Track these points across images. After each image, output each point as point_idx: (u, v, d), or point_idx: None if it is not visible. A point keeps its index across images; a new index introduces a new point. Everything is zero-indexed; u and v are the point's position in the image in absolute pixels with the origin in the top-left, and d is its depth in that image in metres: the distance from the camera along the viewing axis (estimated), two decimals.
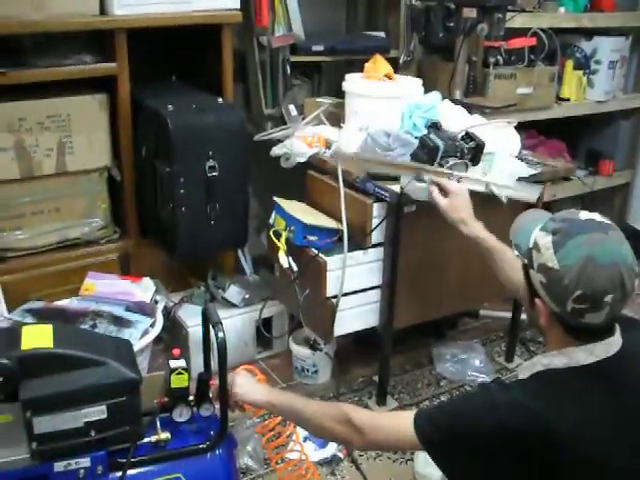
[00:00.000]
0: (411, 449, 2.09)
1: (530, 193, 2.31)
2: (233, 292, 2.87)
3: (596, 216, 1.40)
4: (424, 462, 2.29)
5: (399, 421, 1.52)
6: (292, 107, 2.94)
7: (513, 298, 2.84)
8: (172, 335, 2.78)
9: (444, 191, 2.13)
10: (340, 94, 2.80)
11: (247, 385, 1.74)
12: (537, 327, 1.51)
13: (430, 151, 2.20)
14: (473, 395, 1.54)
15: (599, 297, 1.31)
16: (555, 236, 1.36)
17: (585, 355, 1.38)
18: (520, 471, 1.38)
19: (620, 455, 1.35)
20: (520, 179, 2.37)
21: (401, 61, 3.20)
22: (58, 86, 2.54)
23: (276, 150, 2.74)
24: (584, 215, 1.40)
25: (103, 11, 2.54)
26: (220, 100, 2.72)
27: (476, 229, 2.05)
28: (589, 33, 3.65)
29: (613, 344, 1.40)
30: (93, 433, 1.51)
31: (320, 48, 3.03)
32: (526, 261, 1.44)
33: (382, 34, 3.26)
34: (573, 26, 3.48)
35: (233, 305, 2.86)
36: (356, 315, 2.48)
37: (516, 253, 1.49)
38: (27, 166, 2.54)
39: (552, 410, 1.34)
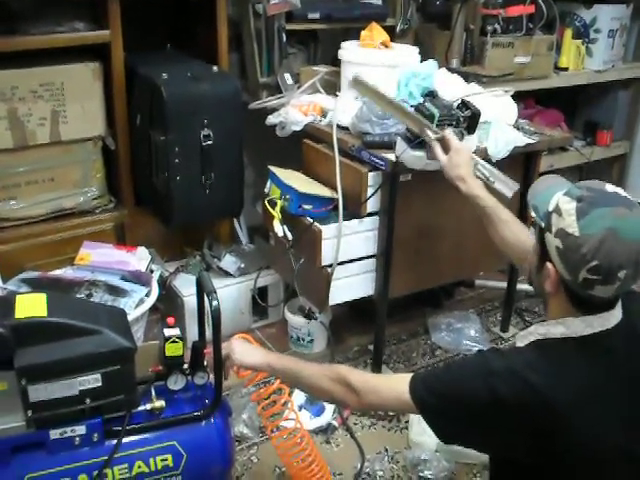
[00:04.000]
0: (406, 412, 2.11)
1: (506, 188, 2.19)
2: (229, 261, 2.88)
3: (621, 191, 1.38)
4: (418, 430, 2.31)
5: (395, 384, 1.52)
6: (288, 75, 2.92)
7: (509, 267, 2.85)
8: (167, 304, 2.79)
9: (446, 147, 2.09)
10: (336, 62, 2.77)
11: (245, 349, 1.75)
12: (540, 291, 1.49)
13: (425, 119, 2.19)
14: (469, 361, 1.54)
15: (614, 271, 1.29)
16: (580, 203, 1.33)
17: (583, 326, 1.38)
18: (513, 439, 1.38)
19: (614, 428, 1.36)
20: (502, 171, 2.30)
21: (398, 29, 3.19)
22: (50, 54, 2.51)
23: (271, 119, 2.72)
24: (610, 188, 1.38)
25: None
26: (215, 68, 2.70)
27: (474, 187, 2.01)
28: (589, 1, 3.61)
29: (612, 317, 1.39)
30: (88, 401, 1.52)
31: (316, 16, 2.99)
32: (543, 224, 1.41)
33: (379, 2, 3.24)
34: None
35: (229, 274, 2.87)
36: (351, 284, 2.48)
37: (533, 214, 1.46)
38: (21, 135, 2.53)
39: (548, 380, 1.34)
